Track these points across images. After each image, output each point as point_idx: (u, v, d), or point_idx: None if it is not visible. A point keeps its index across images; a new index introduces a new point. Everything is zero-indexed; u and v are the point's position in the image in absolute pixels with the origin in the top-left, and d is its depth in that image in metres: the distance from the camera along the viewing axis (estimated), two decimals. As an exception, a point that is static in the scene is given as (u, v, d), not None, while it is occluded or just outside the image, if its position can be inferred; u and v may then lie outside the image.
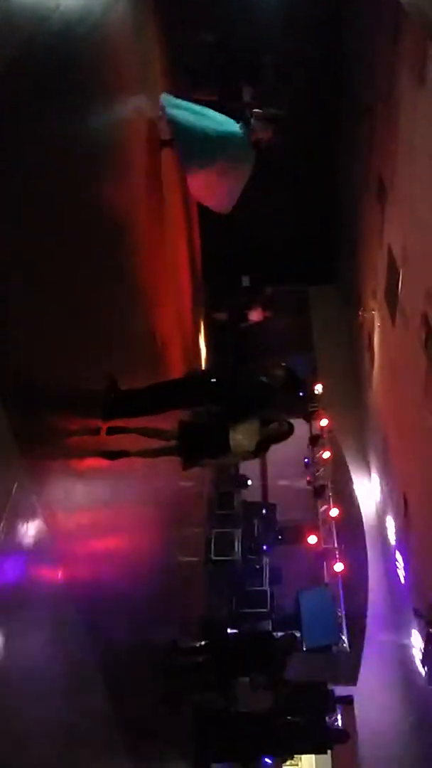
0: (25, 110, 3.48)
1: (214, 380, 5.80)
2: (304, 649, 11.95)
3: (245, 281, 16.99)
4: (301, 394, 5.90)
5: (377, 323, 12.89)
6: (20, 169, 3.37)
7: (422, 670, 10.09)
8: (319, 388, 15.91)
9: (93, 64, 5.18)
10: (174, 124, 8.20)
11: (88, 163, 5.01)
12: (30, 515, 3.37)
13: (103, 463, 5.09)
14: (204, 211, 14.17)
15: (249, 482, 14.78)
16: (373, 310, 13.23)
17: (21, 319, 3.34)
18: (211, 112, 8.34)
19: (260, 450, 5.61)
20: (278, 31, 13.47)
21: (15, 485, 3.15)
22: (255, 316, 15.38)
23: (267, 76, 10.44)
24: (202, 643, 9.91)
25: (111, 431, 5.15)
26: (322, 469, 14.86)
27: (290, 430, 5.69)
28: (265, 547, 13.58)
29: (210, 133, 8.18)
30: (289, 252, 16.44)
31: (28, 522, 3.35)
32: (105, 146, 5.72)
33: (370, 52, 11.58)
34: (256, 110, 8.09)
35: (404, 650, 11.46)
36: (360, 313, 14.33)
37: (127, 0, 6.49)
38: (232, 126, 8.29)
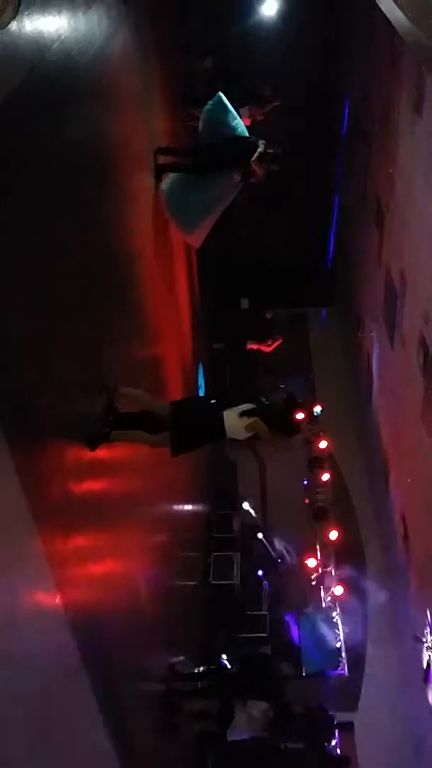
0: (24, 139, 3.53)
1: (213, 401, 5.79)
2: (303, 674, 11.84)
3: (244, 303, 17.08)
4: (300, 416, 5.87)
5: (376, 345, 12.93)
6: (18, 198, 3.41)
7: (424, 695, 9.98)
8: (317, 410, 15.92)
9: (93, 94, 5.25)
10: (167, 201, 8.28)
11: (88, 192, 5.06)
12: (27, 539, 3.37)
13: (101, 485, 5.08)
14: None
15: (247, 504, 14.72)
16: (371, 332, 13.28)
17: (21, 343, 3.36)
18: (204, 179, 8.38)
19: (260, 430, 5.35)
20: (276, 58, 13.70)
21: (11, 505, 3.15)
22: (267, 346, 15.25)
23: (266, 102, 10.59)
24: (201, 669, 9.81)
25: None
26: (321, 491, 14.81)
27: (290, 401, 5.49)
28: (261, 573, 13.50)
29: (202, 203, 8.32)
30: (288, 274, 16.57)
31: (24, 546, 3.34)
32: (105, 176, 5.77)
33: (367, 79, 11.75)
34: (260, 149, 8.13)
35: (405, 675, 11.35)
36: (359, 335, 14.38)
37: (127, 30, 6.59)
38: (224, 176, 8.35)
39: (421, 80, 8.03)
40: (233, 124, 8.32)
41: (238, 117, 8.42)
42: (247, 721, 9.02)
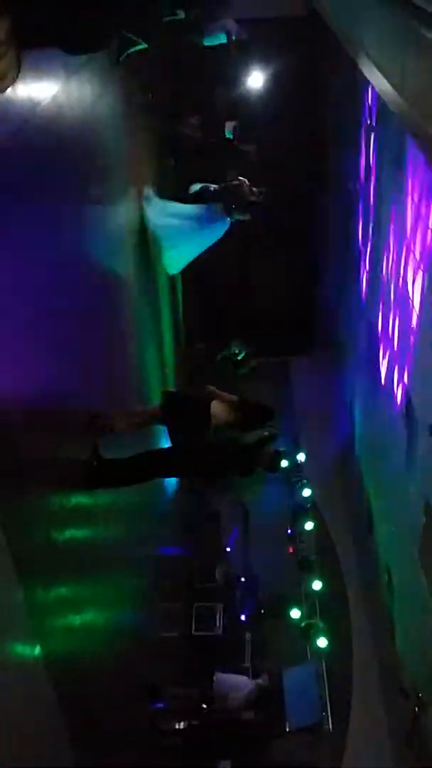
0: (13, 194, 3.61)
1: (200, 449, 5.82)
2: (287, 730, 11.57)
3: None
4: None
5: (358, 393, 13.05)
6: (8, 251, 3.48)
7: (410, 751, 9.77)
8: (301, 458, 15.92)
9: (82, 151, 5.39)
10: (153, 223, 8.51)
11: (77, 244, 5.16)
12: (7, 587, 3.33)
13: (82, 532, 5.04)
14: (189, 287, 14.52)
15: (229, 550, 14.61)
16: (353, 380, 13.41)
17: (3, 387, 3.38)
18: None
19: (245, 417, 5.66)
20: (262, 116, 14.12)
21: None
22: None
23: (250, 160, 10.97)
24: (182, 725, 9.58)
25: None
26: (305, 540, 14.70)
27: (269, 413, 5.92)
28: (244, 618, 13.28)
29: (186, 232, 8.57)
30: (271, 324, 16.75)
31: (4, 595, 3.30)
32: (94, 228, 5.89)
33: (349, 135, 12.12)
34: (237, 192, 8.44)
35: (391, 729, 11.12)
36: (343, 381, 14.52)
37: (116, 89, 6.80)
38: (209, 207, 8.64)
39: (402, 139, 8.33)
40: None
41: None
42: None
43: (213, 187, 9.12)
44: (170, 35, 8.49)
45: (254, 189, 8.72)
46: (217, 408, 5.66)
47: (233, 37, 10.23)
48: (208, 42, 10.23)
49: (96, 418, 5.20)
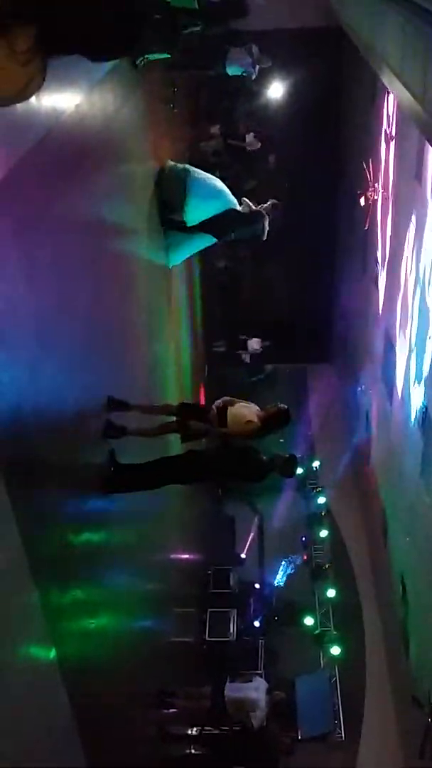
0: (38, 202, 3.68)
1: (214, 455, 5.86)
2: (299, 738, 11.54)
3: (245, 359, 17.23)
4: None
5: (374, 402, 13.01)
6: (29, 260, 3.54)
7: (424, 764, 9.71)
8: (316, 465, 15.90)
9: (105, 157, 5.46)
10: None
11: (96, 247, 5.22)
12: (23, 590, 3.37)
13: (98, 537, 5.08)
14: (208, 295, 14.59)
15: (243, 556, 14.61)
16: (370, 389, 13.38)
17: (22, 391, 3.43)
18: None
19: (262, 428, 5.67)
20: (282, 126, 14.18)
21: (11, 557, 3.16)
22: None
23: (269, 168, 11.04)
24: (194, 731, 9.59)
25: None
26: (319, 547, 14.67)
27: (286, 412, 5.86)
28: (257, 624, 13.27)
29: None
30: (289, 331, 16.77)
31: (17, 600, 3.34)
32: (115, 232, 5.95)
33: (368, 148, 12.13)
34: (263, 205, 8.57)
35: (403, 739, 11.05)
36: (359, 389, 14.49)
37: (138, 98, 6.87)
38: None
39: (422, 155, 8.33)
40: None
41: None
42: None
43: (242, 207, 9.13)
44: (191, 47, 8.55)
45: (272, 201, 8.77)
46: (234, 413, 5.69)
47: (255, 66, 10.22)
48: (231, 72, 10.26)
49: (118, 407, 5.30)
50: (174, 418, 5.96)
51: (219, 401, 5.88)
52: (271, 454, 5.69)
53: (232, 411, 5.70)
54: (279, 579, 14.02)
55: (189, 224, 8.50)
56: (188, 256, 9.64)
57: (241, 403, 5.80)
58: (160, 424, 5.95)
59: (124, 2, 1.52)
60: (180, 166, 8.57)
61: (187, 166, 8.67)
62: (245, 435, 5.70)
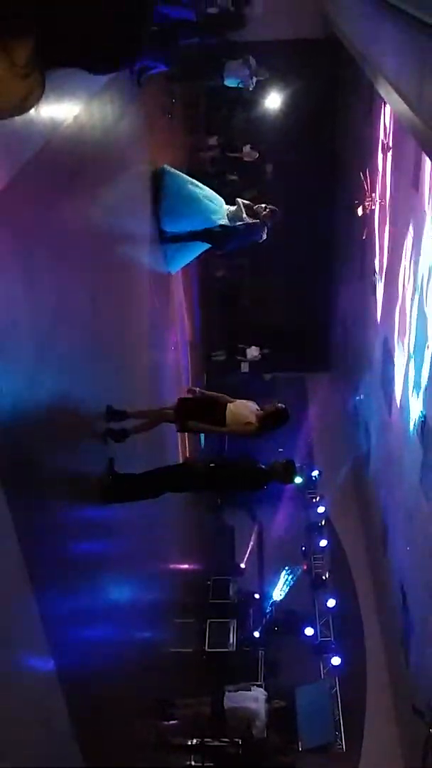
0: (37, 212, 3.69)
1: (212, 465, 5.86)
2: (300, 749, 11.47)
3: (244, 368, 17.24)
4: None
5: (374, 411, 13.02)
6: (30, 267, 3.55)
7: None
8: (315, 474, 15.88)
9: (103, 167, 5.49)
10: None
11: (95, 256, 5.24)
12: (22, 598, 3.37)
13: (97, 546, 5.07)
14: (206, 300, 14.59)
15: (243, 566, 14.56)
16: (368, 397, 13.39)
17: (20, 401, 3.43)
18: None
19: (260, 428, 5.70)
20: (279, 136, 14.26)
21: (9, 566, 3.15)
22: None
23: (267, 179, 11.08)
24: (194, 741, 9.53)
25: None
26: (319, 557, 14.63)
27: (285, 411, 5.92)
28: (257, 634, 13.21)
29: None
30: (289, 339, 16.81)
31: (15, 609, 3.33)
32: (114, 241, 5.97)
33: (365, 158, 12.19)
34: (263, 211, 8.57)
35: (404, 749, 10.99)
36: (358, 398, 14.50)
37: (138, 108, 6.91)
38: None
39: (419, 165, 8.38)
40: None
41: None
42: None
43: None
44: (190, 58, 8.61)
45: (270, 208, 8.77)
46: (233, 412, 5.71)
47: (253, 78, 10.26)
48: (228, 83, 10.31)
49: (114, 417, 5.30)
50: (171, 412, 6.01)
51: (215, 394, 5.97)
52: (270, 463, 5.69)
53: (231, 409, 5.72)
54: (279, 594, 13.97)
55: (168, 231, 8.44)
56: (187, 262, 9.64)
57: (240, 401, 5.82)
58: (156, 414, 5.99)
59: (125, 9, 1.52)
60: (166, 170, 8.44)
61: (167, 169, 8.48)
62: (244, 435, 5.74)
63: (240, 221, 8.55)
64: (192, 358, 12.56)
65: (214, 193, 8.85)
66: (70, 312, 4.34)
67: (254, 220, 8.59)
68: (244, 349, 16.70)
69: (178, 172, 8.61)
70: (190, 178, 8.70)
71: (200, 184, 8.79)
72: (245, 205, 8.69)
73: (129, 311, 6.78)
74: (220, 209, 8.67)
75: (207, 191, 8.76)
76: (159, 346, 8.77)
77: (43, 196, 3.80)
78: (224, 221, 8.55)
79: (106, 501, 5.15)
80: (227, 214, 8.64)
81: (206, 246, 9.06)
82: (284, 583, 14.01)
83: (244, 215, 8.60)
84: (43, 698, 3.68)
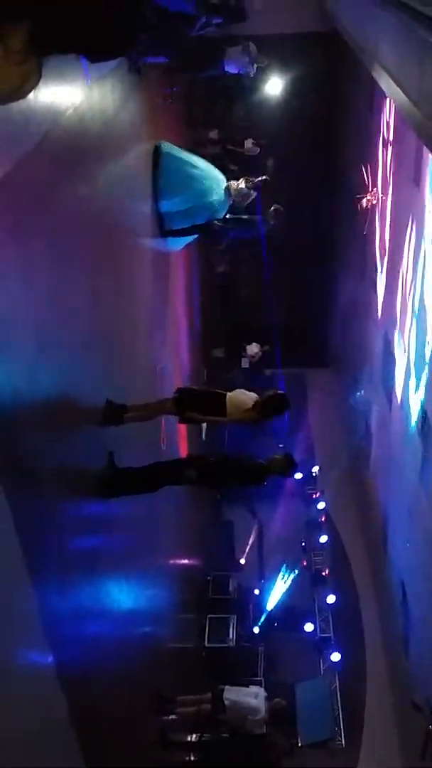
0: (36, 198, 3.66)
1: (213, 459, 5.85)
2: (300, 745, 11.47)
3: (244, 363, 17.23)
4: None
5: (373, 407, 13.00)
6: (31, 259, 3.53)
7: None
8: (315, 470, 15.86)
9: (104, 156, 5.45)
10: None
11: (95, 247, 5.21)
12: (21, 594, 3.35)
13: (96, 541, 5.06)
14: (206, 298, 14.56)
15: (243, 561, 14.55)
16: (369, 393, 13.37)
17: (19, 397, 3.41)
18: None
19: (260, 414, 5.68)
20: (281, 130, 14.20)
21: (9, 561, 3.13)
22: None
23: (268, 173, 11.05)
24: (193, 737, 9.52)
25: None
26: (319, 553, 14.63)
27: (284, 397, 5.89)
28: (257, 630, 13.21)
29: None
30: (289, 336, 16.78)
31: (15, 604, 3.31)
32: (115, 232, 5.94)
33: (366, 152, 12.15)
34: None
35: (404, 744, 11.00)
36: (358, 394, 14.48)
37: (139, 97, 6.87)
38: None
39: (419, 155, 8.34)
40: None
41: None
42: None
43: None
44: (191, 49, 8.57)
45: (275, 207, 8.78)
46: (233, 400, 5.71)
47: (253, 64, 10.22)
48: (229, 69, 10.26)
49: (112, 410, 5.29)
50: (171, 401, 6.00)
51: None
52: (269, 457, 5.69)
53: (231, 398, 5.71)
54: (280, 594, 13.95)
55: (163, 210, 8.37)
56: (187, 242, 9.51)
57: (239, 390, 5.82)
58: (156, 406, 5.97)
59: (124, 2, 1.52)
60: (163, 150, 8.27)
61: (164, 149, 8.28)
62: (245, 421, 5.73)
63: (240, 197, 8.58)
64: (191, 353, 12.54)
65: (213, 169, 8.78)
66: (69, 303, 4.32)
67: (252, 193, 8.61)
68: (244, 345, 16.69)
69: (176, 150, 8.49)
70: (187, 155, 8.60)
71: (198, 161, 8.71)
72: (246, 180, 8.72)
73: (129, 303, 6.75)
74: (218, 188, 8.64)
75: (205, 170, 8.68)
76: (158, 340, 8.74)
77: (44, 186, 3.77)
78: (219, 199, 8.53)
79: (106, 495, 5.13)
80: (231, 191, 8.64)
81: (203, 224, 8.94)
82: (283, 579, 14.00)
83: (243, 185, 8.65)
84: (43, 694, 3.66)
